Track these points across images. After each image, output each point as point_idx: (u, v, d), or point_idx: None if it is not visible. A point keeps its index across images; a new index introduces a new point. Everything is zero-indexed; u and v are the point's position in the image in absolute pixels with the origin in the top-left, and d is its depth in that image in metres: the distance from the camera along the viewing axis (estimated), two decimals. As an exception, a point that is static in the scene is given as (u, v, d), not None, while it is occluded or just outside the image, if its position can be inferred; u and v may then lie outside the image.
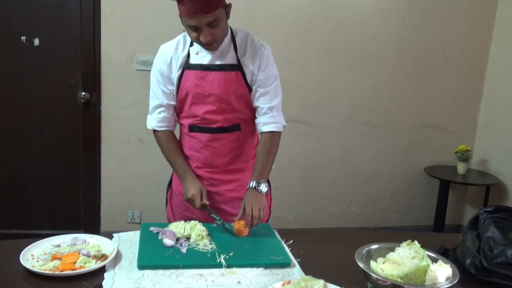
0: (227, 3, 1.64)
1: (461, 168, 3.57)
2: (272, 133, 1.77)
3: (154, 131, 1.83)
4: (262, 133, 1.79)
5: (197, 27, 1.58)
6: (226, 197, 1.84)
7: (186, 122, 1.80)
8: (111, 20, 3.11)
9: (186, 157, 1.86)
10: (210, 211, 1.71)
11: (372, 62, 3.52)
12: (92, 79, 3.17)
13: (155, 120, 1.81)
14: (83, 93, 3.16)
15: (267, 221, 1.89)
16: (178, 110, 1.82)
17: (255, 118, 1.81)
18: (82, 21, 3.09)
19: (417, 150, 3.76)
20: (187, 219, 1.70)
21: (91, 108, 3.21)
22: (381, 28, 3.48)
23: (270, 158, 1.77)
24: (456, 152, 3.59)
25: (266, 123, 1.77)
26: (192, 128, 1.79)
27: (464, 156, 3.55)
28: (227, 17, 1.66)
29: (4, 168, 3.22)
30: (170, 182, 1.96)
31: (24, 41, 3.06)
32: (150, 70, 3.38)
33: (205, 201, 1.71)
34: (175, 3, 1.58)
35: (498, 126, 3.63)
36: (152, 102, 1.81)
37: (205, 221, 1.69)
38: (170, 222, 1.90)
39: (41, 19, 3.05)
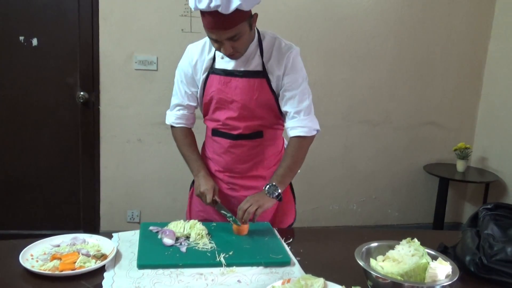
0: (252, 14, 1.57)
1: (460, 165, 3.57)
2: (298, 137, 1.71)
3: (172, 126, 1.85)
4: (290, 137, 1.74)
5: (217, 40, 1.55)
6: None
7: (210, 125, 1.80)
8: (109, 20, 3.11)
9: (207, 158, 1.86)
10: (220, 207, 1.69)
11: (370, 60, 3.52)
12: (90, 79, 3.17)
13: (173, 116, 1.83)
14: (81, 93, 3.16)
15: (291, 224, 1.88)
16: (203, 112, 1.82)
17: (282, 123, 1.79)
18: (80, 21, 3.09)
19: (416, 148, 3.76)
20: (202, 218, 1.69)
21: (90, 108, 3.20)
22: (379, 26, 3.48)
23: (292, 163, 1.70)
24: (455, 150, 3.59)
25: (293, 127, 1.71)
26: (215, 132, 1.79)
27: (463, 154, 3.55)
28: (251, 28, 1.59)
29: (2, 168, 3.22)
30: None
31: (23, 41, 3.05)
32: (148, 70, 3.40)
33: (216, 198, 1.69)
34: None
35: (497, 123, 3.63)
36: (173, 100, 1.83)
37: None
38: (185, 219, 1.91)
39: (39, 19, 3.05)
